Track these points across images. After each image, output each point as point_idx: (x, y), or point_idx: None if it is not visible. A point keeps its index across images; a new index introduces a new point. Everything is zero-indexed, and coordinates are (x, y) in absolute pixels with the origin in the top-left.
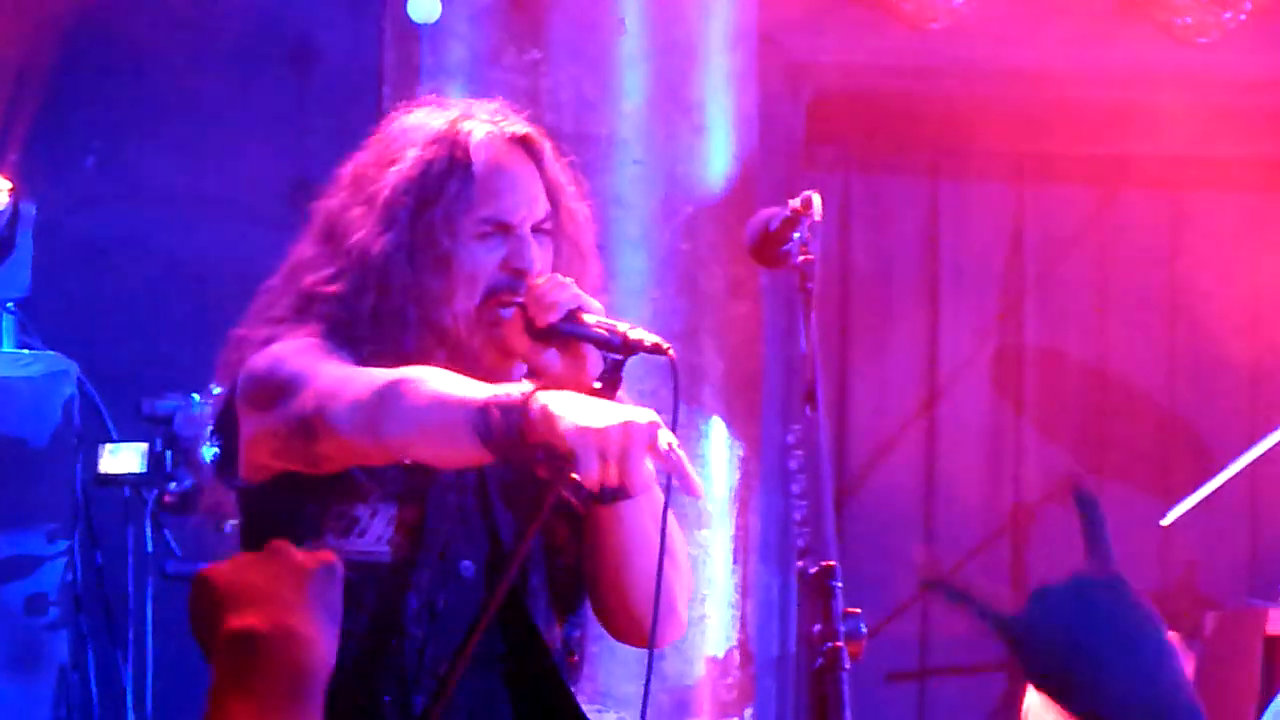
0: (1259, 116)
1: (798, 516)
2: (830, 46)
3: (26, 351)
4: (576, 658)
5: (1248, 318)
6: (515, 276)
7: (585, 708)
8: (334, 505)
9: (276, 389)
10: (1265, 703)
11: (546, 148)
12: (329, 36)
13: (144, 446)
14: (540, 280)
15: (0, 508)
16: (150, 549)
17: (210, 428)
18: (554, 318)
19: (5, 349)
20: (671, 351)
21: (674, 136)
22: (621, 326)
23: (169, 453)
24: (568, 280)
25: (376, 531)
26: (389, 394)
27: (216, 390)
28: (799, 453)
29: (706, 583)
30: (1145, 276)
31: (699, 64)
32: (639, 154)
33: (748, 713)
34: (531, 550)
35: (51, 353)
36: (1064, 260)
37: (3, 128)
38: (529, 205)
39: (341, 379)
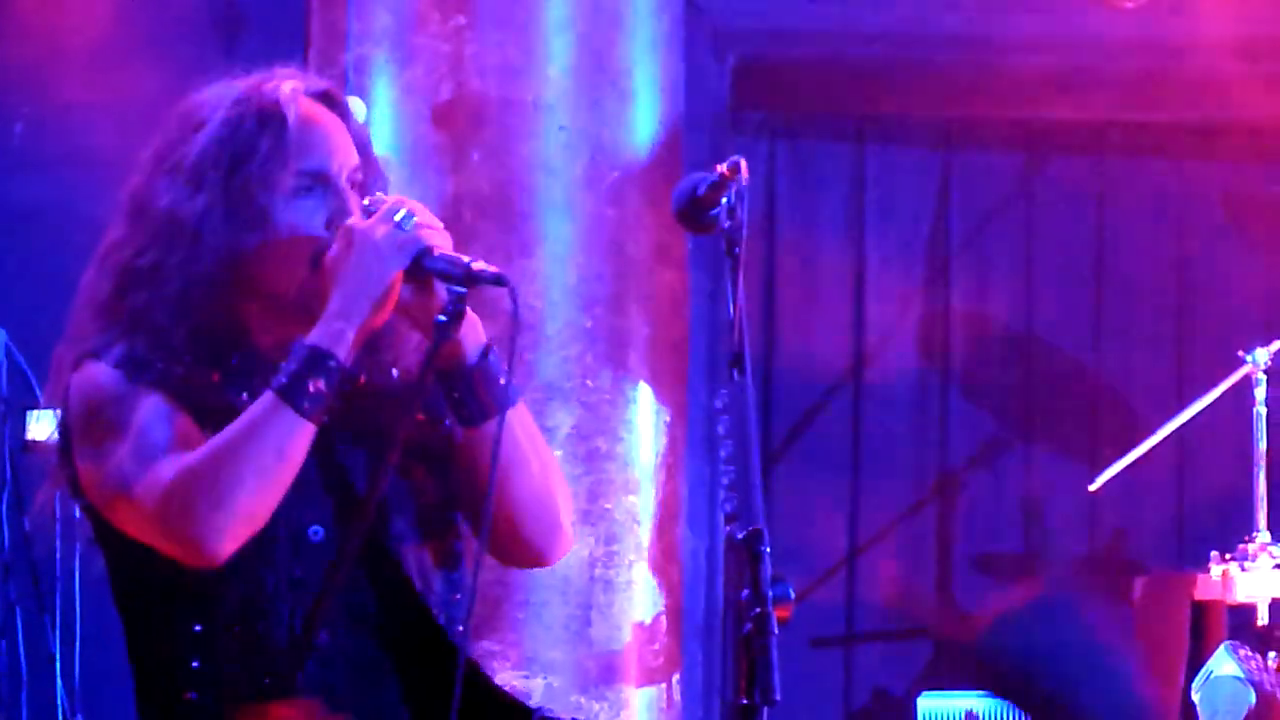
0: (1185, 81)
1: (725, 481)
2: (755, 11)
3: None
4: (459, 596)
5: (1174, 283)
6: (335, 230)
7: (511, 674)
8: None
9: (89, 438)
10: (1195, 667)
11: (345, 102)
12: (255, 2)
13: None
14: (397, 217)
15: None
16: (77, 516)
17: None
18: (409, 255)
19: None
20: (510, 282)
21: (599, 102)
22: (464, 259)
23: None
24: (410, 204)
25: None
26: (184, 484)
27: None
28: (726, 417)
29: (634, 548)
30: (1071, 242)
31: (624, 29)
32: (564, 120)
33: (675, 678)
34: (388, 497)
35: None
36: (990, 226)
37: None
38: (344, 156)
39: (138, 463)
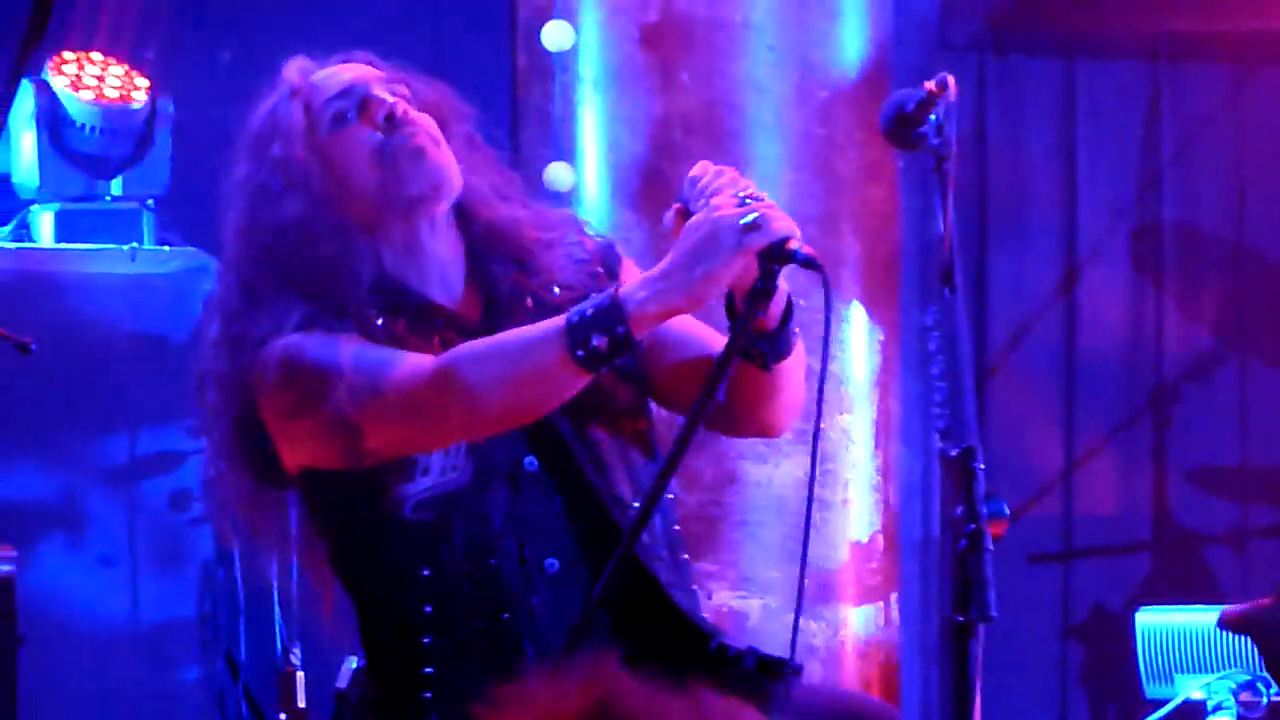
0: None
1: (937, 399)
2: None
3: (166, 248)
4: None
5: None
6: (389, 123)
7: (729, 594)
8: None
9: (303, 392)
10: None
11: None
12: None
13: None
14: (719, 183)
15: (144, 405)
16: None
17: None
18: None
19: (146, 246)
20: (823, 264)
21: (807, 22)
22: (795, 242)
23: None
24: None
25: (438, 464)
26: (450, 371)
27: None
28: (937, 335)
29: (849, 467)
30: None
31: None
32: (772, 39)
33: (893, 597)
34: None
35: (191, 249)
36: (1201, 138)
37: (140, 27)
38: (365, 72)
39: (374, 368)
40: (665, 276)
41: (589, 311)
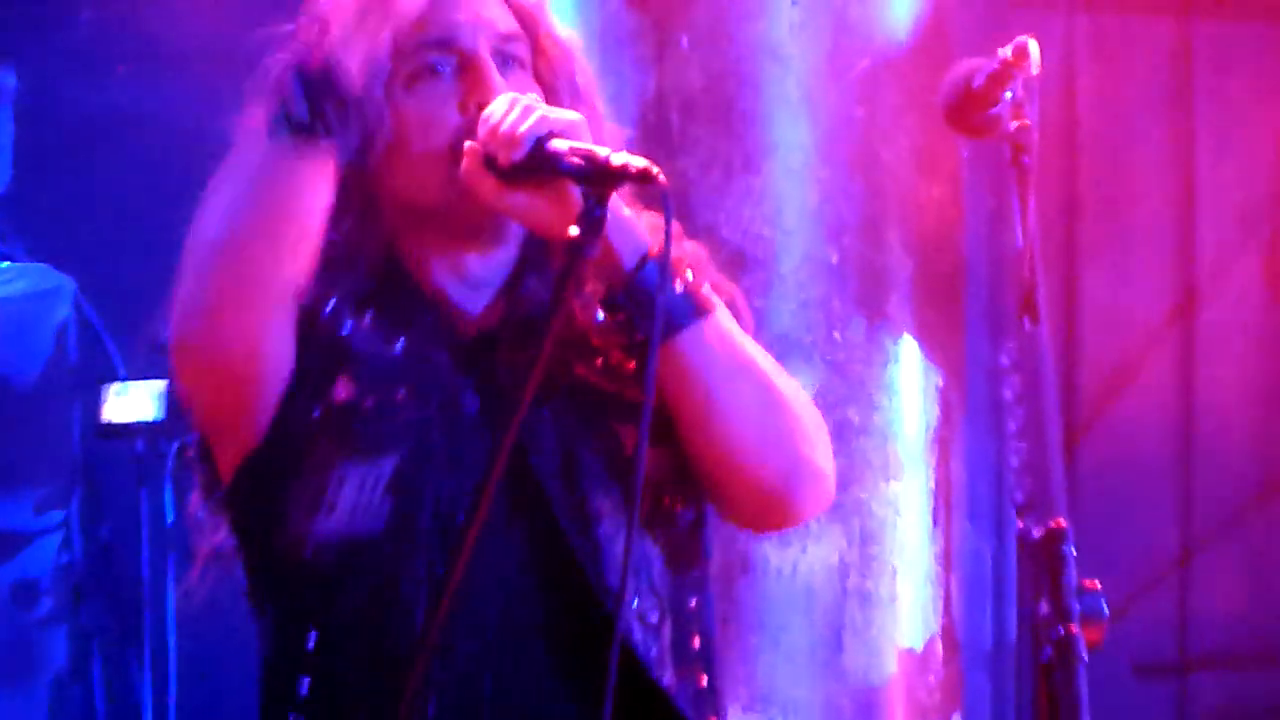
0: None
1: (1015, 462)
2: None
3: (5, 264)
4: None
5: None
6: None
7: (743, 717)
8: (295, 477)
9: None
10: None
11: None
12: None
13: (162, 385)
14: (494, 106)
15: None
16: (171, 520)
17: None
18: (518, 154)
19: None
20: (662, 177)
21: None
22: (602, 151)
23: None
24: (526, 97)
25: (349, 500)
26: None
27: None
28: (1015, 378)
29: (898, 551)
30: None
31: None
32: None
33: (955, 718)
34: (584, 463)
35: (40, 265)
36: None
37: None
38: (485, 18)
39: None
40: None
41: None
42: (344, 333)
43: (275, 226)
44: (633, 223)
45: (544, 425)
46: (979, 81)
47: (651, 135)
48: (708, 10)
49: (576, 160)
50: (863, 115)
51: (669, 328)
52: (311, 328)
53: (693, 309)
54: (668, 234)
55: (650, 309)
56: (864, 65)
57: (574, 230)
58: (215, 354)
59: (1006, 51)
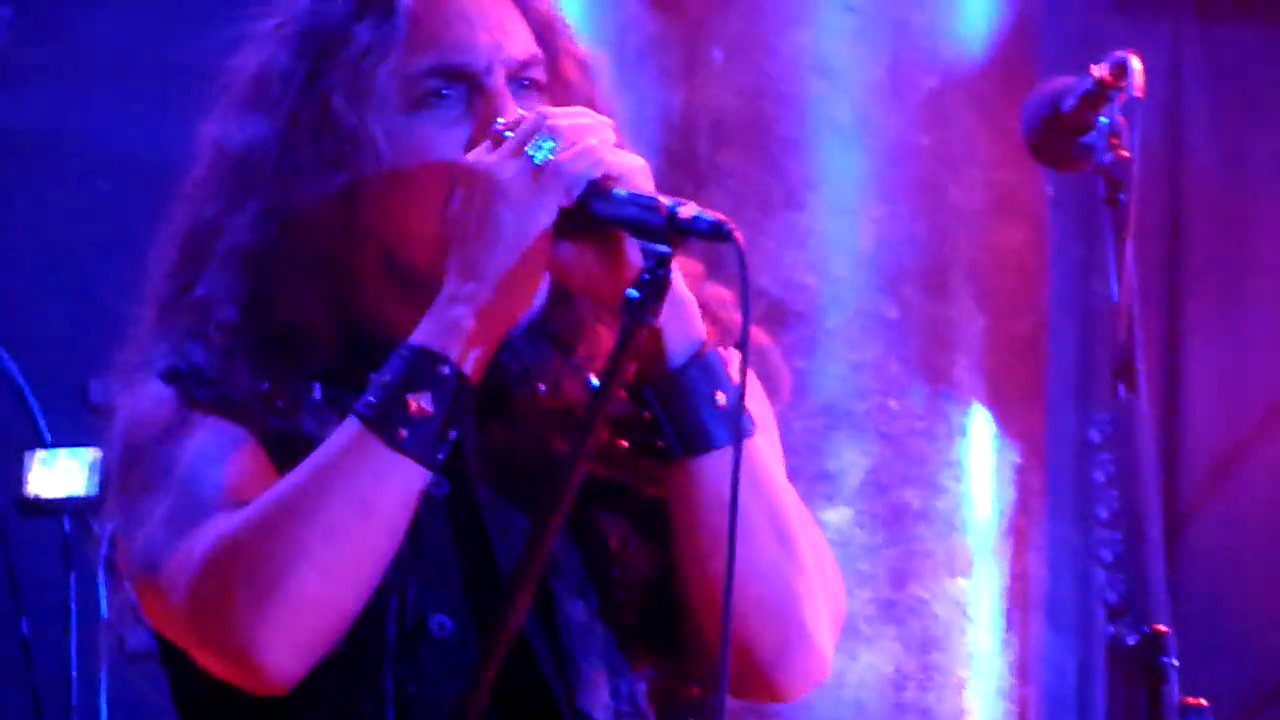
0: None
1: (1107, 557)
2: None
3: None
4: None
5: None
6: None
7: None
8: None
9: (132, 491)
10: None
11: None
12: None
13: (93, 454)
14: (530, 147)
15: None
16: (105, 612)
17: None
18: (567, 200)
19: None
20: (738, 234)
21: None
22: (667, 201)
23: None
24: (584, 122)
25: None
26: (231, 581)
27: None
28: (1107, 458)
29: (966, 659)
30: None
31: None
32: None
33: None
34: (567, 565)
35: None
36: None
37: None
38: (503, 41)
39: (179, 518)
40: (458, 293)
41: (388, 379)
42: (299, 418)
43: (379, 550)
44: (690, 304)
45: (512, 510)
46: (1069, 104)
47: (675, 163)
48: (744, 16)
49: (637, 211)
50: (928, 143)
51: (698, 444)
52: (269, 414)
53: (730, 430)
54: (745, 318)
55: (686, 420)
56: (931, 84)
57: (633, 294)
58: (238, 659)
59: (1102, 69)
